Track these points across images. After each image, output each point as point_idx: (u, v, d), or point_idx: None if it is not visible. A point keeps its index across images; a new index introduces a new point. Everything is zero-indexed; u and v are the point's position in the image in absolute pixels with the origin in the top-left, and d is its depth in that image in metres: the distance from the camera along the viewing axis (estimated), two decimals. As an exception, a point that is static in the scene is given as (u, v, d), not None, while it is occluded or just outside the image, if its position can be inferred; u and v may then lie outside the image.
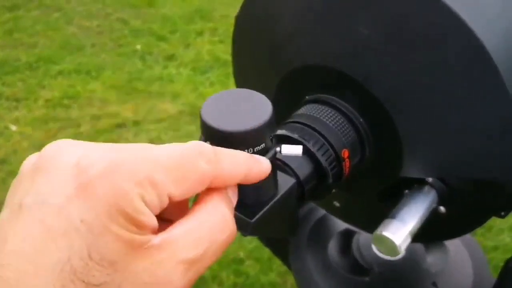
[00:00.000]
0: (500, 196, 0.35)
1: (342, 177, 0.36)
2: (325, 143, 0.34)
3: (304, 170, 0.33)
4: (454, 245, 0.58)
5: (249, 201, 0.30)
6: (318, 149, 0.33)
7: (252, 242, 1.19)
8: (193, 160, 0.21)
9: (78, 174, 0.19)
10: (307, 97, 0.37)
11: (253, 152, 0.28)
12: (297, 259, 0.59)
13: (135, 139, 1.53)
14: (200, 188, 0.21)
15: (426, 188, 0.37)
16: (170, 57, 1.82)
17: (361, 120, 0.35)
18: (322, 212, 0.61)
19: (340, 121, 0.35)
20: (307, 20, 0.36)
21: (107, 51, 1.86)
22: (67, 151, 0.20)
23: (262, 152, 0.28)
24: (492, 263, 1.16)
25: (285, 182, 0.31)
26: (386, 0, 0.32)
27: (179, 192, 0.20)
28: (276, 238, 0.66)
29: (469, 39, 0.30)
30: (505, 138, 0.32)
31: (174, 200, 0.20)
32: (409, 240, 0.36)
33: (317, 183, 0.34)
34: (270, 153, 0.29)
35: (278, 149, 0.31)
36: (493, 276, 0.54)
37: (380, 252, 0.37)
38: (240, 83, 0.44)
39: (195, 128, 1.52)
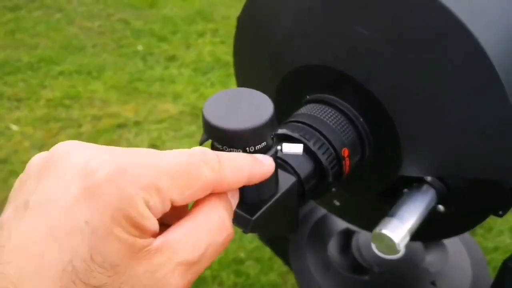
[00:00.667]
0: (498, 195, 0.35)
1: (342, 176, 0.36)
2: (326, 142, 0.34)
3: (304, 168, 0.33)
4: (453, 244, 0.58)
5: (250, 199, 0.30)
6: (319, 148, 0.34)
7: (253, 242, 1.19)
8: (198, 168, 0.21)
9: (86, 176, 0.19)
10: (307, 96, 0.37)
11: (254, 150, 0.28)
12: (297, 259, 0.59)
13: (136, 139, 1.54)
14: (202, 195, 0.22)
15: (425, 187, 0.37)
16: (171, 58, 1.83)
17: (361, 119, 0.35)
18: (322, 211, 0.62)
19: (340, 121, 0.35)
20: (308, 21, 0.36)
21: (108, 51, 1.87)
22: (76, 153, 0.20)
23: (263, 151, 0.29)
24: (492, 264, 1.16)
25: (286, 180, 0.32)
26: (386, 1, 0.33)
27: (182, 198, 0.21)
28: (276, 237, 0.67)
29: (468, 40, 0.31)
30: (503, 138, 0.32)
31: (176, 205, 0.21)
32: (408, 238, 0.36)
33: (317, 181, 0.34)
34: (271, 152, 0.29)
35: (279, 147, 0.32)
36: (492, 276, 0.54)
37: (379, 250, 0.37)
38: (241, 83, 0.44)
39: (196, 128, 1.53)
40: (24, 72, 1.79)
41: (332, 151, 0.34)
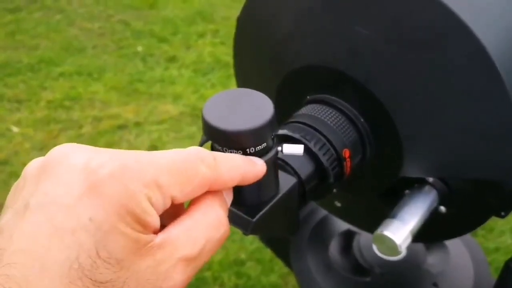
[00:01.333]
0: (500, 196, 0.35)
1: (343, 177, 0.36)
2: (326, 142, 0.34)
3: (305, 169, 0.33)
4: (454, 246, 0.58)
5: (251, 200, 0.30)
6: (319, 149, 0.33)
7: (254, 243, 1.19)
8: (195, 165, 0.22)
9: (88, 175, 0.20)
10: (308, 97, 0.37)
11: (255, 152, 0.28)
12: (298, 260, 0.59)
13: (137, 140, 1.53)
14: (200, 191, 0.23)
15: (427, 188, 0.37)
16: (171, 59, 1.83)
17: (361, 120, 0.35)
18: (323, 213, 0.62)
19: (341, 121, 0.35)
20: (308, 21, 0.36)
21: (108, 52, 1.87)
22: (74, 154, 0.21)
23: (264, 152, 0.28)
24: (494, 265, 1.15)
25: (287, 181, 0.31)
26: (386, 1, 0.32)
27: (182, 194, 0.21)
28: (277, 238, 0.66)
29: (469, 39, 0.31)
30: (505, 138, 0.32)
31: (176, 202, 0.21)
32: (409, 239, 0.36)
33: (318, 182, 0.34)
34: (271, 153, 0.29)
35: (279, 148, 0.31)
36: (494, 278, 0.54)
37: (381, 252, 0.37)
38: (241, 84, 0.44)
39: (196, 129, 1.53)
40: (25, 73, 1.79)
41: (333, 151, 0.34)
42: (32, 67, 1.78)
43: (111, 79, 1.73)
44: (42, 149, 1.48)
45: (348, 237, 0.60)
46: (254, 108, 0.28)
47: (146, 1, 2.10)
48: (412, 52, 0.32)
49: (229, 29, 2.01)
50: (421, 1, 0.31)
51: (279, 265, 1.11)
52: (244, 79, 0.44)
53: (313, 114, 0.35)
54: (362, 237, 0.58)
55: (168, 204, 0.21)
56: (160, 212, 0.21)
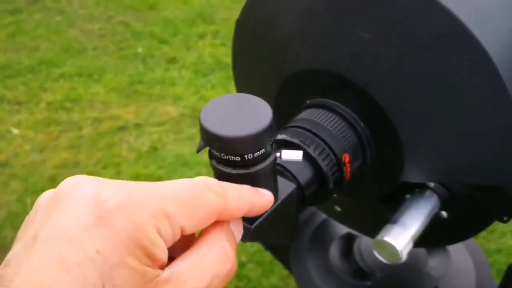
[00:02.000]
0: (502, 201, 0.35)
1: (343, 182, 0.36)
2: (326, 147, 0.33)
3: (304, 175, 0.33)
4: (456, 249, 0.57)
5: (249, 207, 0.30)
6: (319, 154, 0.33)
7: (254, 245, 1.18)
8: (203, 193, 0.22)
9: (96, 206, 0.20)
10: (307, 101, 0.37)
11: (253, 158, 0.28)
12: (298, 263, 0.59)
13: (137, 142, 1.53)
14: (210, 221, 0.22)
15: (428, 192, 0.37)
16: (172, 60, 1.82)
17: (362, 124, 0.35)
18: (323, 216, 0.61)
19: (341, 126, 0.35)
20: (308, 24, 0.35)
21: (108, 54, 1.87)
22: (83, 186, 0.21)
23: (262, 158, 0.28)
24: (495, 267, 1.15)
25: (285, 187, 0.31)
26: (387, 4, 0.32)
27: (191, 224, 0.21)
28: (277, 243, 0.66)
29: (471, 43, 0.30)
30: (507, 143, 0.32)
31: (185, 233, 0.21)
32: (410, 245, 0.35)
33: (317, 188, 0.34)
34: (270, 159, 0.28)
35: (278, 154, 0.31)
36: (496, 280, 0.53)
37: (382, 257, 0.36)
38: (240, 87, 0.44)
39: (197, 131, 1.52)
40: (25, 75, 1.79)
41: (333, 156, 0.34)
42: (32, 69, 1.77)
43: (111, 80, 1.73)
44: (42, 150, 1.47)
45: (348, 240, 0.59)
46: (252, 114, 0.28)
47: (147, 2, 2.10)
48: (412, 56, 0.32)
49: (229, 30, 2.01)
50: (422, 5, 0.31)
51: (280, 267, 1.11)
52: (243, 82, 0.43)
53: (312, 118, 0.34)
54: (363, 240, 0.58)
55: (178, 235, 0.21)
56: (170, 244, 0.21)
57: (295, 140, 0.33)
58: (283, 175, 0.32)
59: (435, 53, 0.31)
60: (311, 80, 0.36)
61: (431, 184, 0.36)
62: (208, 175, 0.26)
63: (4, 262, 0.20)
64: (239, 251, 1.17)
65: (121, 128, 1.56)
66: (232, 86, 1.86)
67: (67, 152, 1.49)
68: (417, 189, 0.37)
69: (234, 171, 0.28)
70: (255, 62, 0.41)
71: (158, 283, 0.20)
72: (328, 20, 0.34)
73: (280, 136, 0.34)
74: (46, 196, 0.22)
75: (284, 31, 0.37)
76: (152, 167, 1.43)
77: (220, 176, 0.29)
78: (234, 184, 0.25)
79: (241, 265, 1.15)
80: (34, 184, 1.38)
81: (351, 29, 0.33)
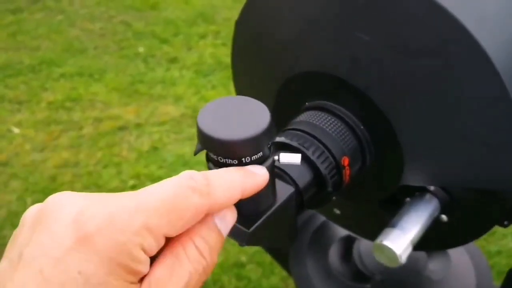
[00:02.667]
0: (502, 206, 0.34)
1: (342, 185, 0.35)
2: (325, 150, 0.33)
3: (303, 178, 0.32)
4: (456, 252, 0.57)
5: (247, 210, 0.29)
6: (318, 157, 0.33)
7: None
8: (186, 199, 0.22)
9: (78, 228, 0.20)
10: (307, 103, 0.36)
11: (250, 161, 0.27)
12: (298, 265, 0.58)
13: (137, 141, 1.53)
14: (195, 221, 0.22)
15: (428, 196, 0.36)
16: (173, 60, 1.82)
17: (361, 127, 0.35)
18: (323, 218, 0.61)
19: (340, 128, 0.34)
20: (307, 26, 0.35)
21: (109, 53, 1.86)
22: (67, 205, 0.21)
23: (260, 161, 0.28)
24: (496, 268, 1.15)
25: (284, 190, 0.31)
26: (388, 8, 0.32)
27: (176, 230, 0.21)
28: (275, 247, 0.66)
29: (473, 49, 0.30)
30: (507, 148, 0.32)
31: (171, 236, 0.21)
32: (410, 249, 0.35)
33: (316, 191, 0.33)
34: (268, 162, 0.28)
35: (276, 157, 0.31)
36: (496, 283, 0.53)
37: (381, 261, 0.36)
38: (239, 89, 0.44)
39: (197, 131, 1.52)
40: (26, 74, 1.79)
41: (332, 159, 0.33)
42: (33, 68, 1.77)
43: (112, 80, 1.73)
44: (43, 150, 1.47)
45: (348, 243, 0.59)
46: (250, 117, 0.27)
47: (148, 2, 2.10)
48: (413, 59, 0.32)
49: (230, 30, 2.00)
50: (424, 8, 0.31)
51: (280, 268, 1.11)
52: (242, 84, 0.43)
53: (311, 121, 0.34)
54: (362, 243, 0.57)
55: (162, 243, 0.21)
56: (155, 252, 0.21)
57: (294, 143, 0.33)
58: (281, 178, 0.32)
59: (436, 57, 0.31)
60: (311, 83, 0.36)
61: (431, 188, 0.36)
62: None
63: None
64: (239, 252, 1.17)
65: (122, 128, 1.56)
66: (232, 86, 1.86)
67: (68, 151, 1.49)
68: (417, 193, 0.36)
69: (231, 175, 0.28)
70: (254, 63, 0.40)
71: None
72: (329, 23, 0.34)
73: (279, 139, 0.34)
74: (32, 212, 0.22)
75: (284, 33, 0.37)
76: (152, 167, 1.42)
77: None
78: (223, 171, 0.24)
79: (241, 265, 1.15)
80: (35, 183, 1.38)
81: (351, 32, 0.33)
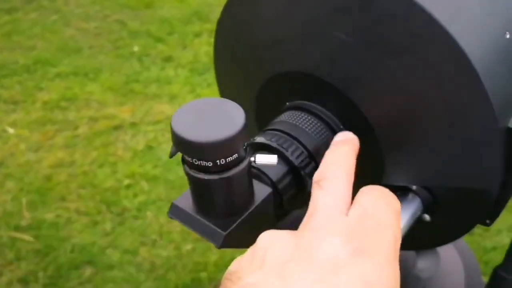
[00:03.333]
0: (484, 205, 0.34)
1: (323, 185, 0.35)
2: (304, 150, 0.33)
3: (282, 178, 0.32)
4: (445, 250, 0.57)
5: (223, 212, 0.29)
6: (297, 157, 0.33)
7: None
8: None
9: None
10: (287, 103, 0.36)
11: (225, 163, 0.27)
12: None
13: (132, 140, 1.53)
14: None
15: (410, 196, 0.36)
16: (168, 59, 1.82)
17: (341, 127, 0.34)
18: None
19: (320, 129, 0.34)
20: (287, 26, 0.35)
21: (104, 53, 1.86)
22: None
23: (235, 162, 0.28)
24: (491, 264, 1.15)
25: (261, 191, 0.31)
26: (366, 5, 0.31)
27: None
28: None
29: (451, 47, 0.30)
30: (488, 146, 0.31)
31: None
32: (391, 249, 0.35)
33: (296, 191, 0.33)
34: (244, 163, 0.28)
35: (252, 158, 0.31)
36: (485, 281, 0.53)
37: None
38: (222, 89, 0.43)
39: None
40: (20, 74, 1.78)
41: (311, 160, 0.33)
42: (28, 68, 1.77)
43: (107, 79, 1.72)
44: (38, 150, 1.47)
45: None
46: (225, 118, 0.27)
47: (142, 1, 2.09)
48: (392, 58, 0.31)
49: (226, 28, 2.00)
50: (402, 7, 0.31)
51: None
52: (224, 83, 0.43)
53: (291, 121, 0.34)
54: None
55: None
56: None
57: (273, 144, 0.33)
58: (259, 179, 0.32)
59: (414, 55, 0.31)
60: (291, 82, 0.36)
61: (413, 187, 0.36)
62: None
63: None
64: (234, 250, 1.16)
65: (117, 127, 1.56)
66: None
67: (63, 151, 1.49)
68: (399, 192, 0.36)
69: (206, 177, 0.28)
70: (235, 63, 0.40)
71: None
72: (307, 23, 0.34)
73: (258, 139, 0.33)
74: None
75: (264, 32, 0.37)
76: (147, 166, 1.42)
77: (193, 181, 0.29)
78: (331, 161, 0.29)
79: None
80: (30, 183, 1.38)
81: (329, 31, 0.32)
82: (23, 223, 1.27)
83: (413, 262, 0.55)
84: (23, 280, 1.14)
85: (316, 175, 0.28)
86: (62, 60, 1.80)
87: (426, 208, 0.36)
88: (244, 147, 0.28)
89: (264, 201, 0.30)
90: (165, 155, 1.44)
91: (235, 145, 0.27)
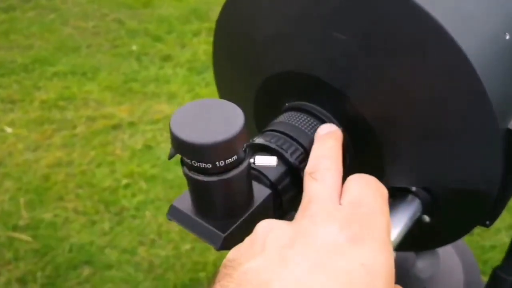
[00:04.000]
0: (484, 206, 0.34)
1: (322, 186, 0.35)
2: (303, 152, 0.33)
3: (281, 179, 0.32)
4: (445, 250, 0.57)
5: (222, 213, 0.29)
6: (296, 158, 0.33)
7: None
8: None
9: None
10: (286, 104, 0.36)
11: (225, 164, 0.27)
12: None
13: (131, 140, 1.52)
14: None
15: (410, 197, 0.36)
16: (166, 58, 1.82)
17: (341, 128, 0.34)
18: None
19: (319, 129, 0.34)
20: (286, 26, 0.35)
21: (102, 52, 1.86)
22: None
23: (235, 164, 0.27)
24: (490, 263, 1.15)
25: (261, 193, 0.31)
26: (364, 5, 0.31)
27: None
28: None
29: (450, 47, 0.30)
30: (488, 148, 0.31)
31: None
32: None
33: (295, 193, 0.33)
34: (243, 165, 0.28)
35: (251, 160, 0.30)
36: (485, 281, 0.53)
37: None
38: (220, 89, 0.43)
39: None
40: (18, 73, 1.78)
41: (311, 161, 0.33)
42: (26, 67, 1.77)
43: (106, 78, 1.72)
44: (36, 149, 1.47)
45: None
46: (224, 120, 0.27)
47: (141, 0, 2.08)
48: (391, 58, 0.31)
49: (225, 27, 1.99)
50: (401, 7, 0.30)
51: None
52: (223, 84, 0.43)
53: (290, 122, 0.34)
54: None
55: None
56: None
57: (273, 145, 0.32)
58: (259, 180, 0.32)
59: (414, 56, 0.31)
60: (290, 83, 0.36)
61: (413, 188, 0.36)
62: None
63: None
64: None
65: (115, 127, 1.55)
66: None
67: (61, 151, 1.49)
68: (399, 193, 0.36)
69: (206, 179, 0.27)
70: (234, 63, 0.40)
71: None
72: (306, 22, 0.34)
73: (257, 140, 0.33)
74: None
75: (263, 32, 0.36)
76: (146, 165, 1.42)
77: (192, 183, 0.28)
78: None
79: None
80: (28, 183, 1.37)
81: (327, 31, 0.32)
82: (21, 222, 1.26)
83: (413, 262, 0.55)
84: (21, 280, 1.13)
85: (308, 168, 0.29)
86: (60, 59, 1.79)
87: (425, 209, 0.36)
88: (244, 149, 0.28)
89: (264, 202, 0.30)
90: (163, 155, 1.44)
91: (234, 146, 0.27)
